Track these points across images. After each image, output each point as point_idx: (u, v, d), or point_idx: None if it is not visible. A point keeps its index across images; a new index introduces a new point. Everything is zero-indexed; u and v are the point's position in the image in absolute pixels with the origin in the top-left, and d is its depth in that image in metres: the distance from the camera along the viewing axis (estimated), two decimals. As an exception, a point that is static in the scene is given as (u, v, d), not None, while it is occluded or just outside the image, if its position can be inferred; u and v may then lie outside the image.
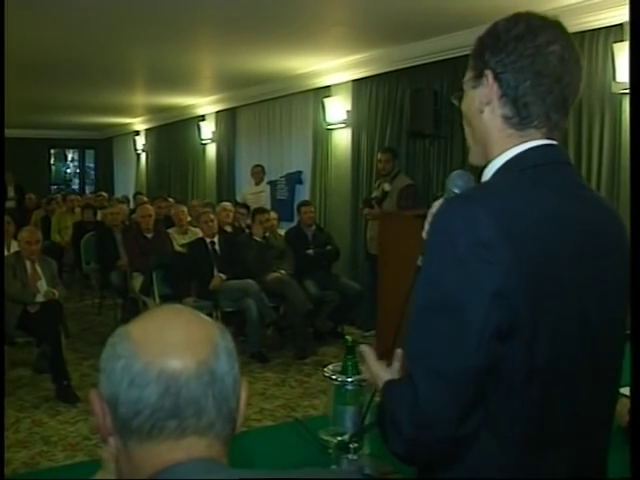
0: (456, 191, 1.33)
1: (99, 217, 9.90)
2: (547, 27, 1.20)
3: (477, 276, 1.05)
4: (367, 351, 1.36)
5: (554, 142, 1.22)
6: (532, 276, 1.06)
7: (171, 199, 9.83)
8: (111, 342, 0.94)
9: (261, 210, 7.19)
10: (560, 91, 1.19)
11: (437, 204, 1.34)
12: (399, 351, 1.34)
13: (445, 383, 1.06)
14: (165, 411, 0.88)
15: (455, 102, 1.34)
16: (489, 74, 1.21)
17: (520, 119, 1.20)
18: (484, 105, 1.23)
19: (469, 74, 1.27)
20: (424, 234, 1.33)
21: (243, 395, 0.97)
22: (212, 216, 6.83)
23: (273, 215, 7.50)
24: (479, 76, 1.23)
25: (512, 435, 1.11)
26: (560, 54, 1.18)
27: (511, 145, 1.21)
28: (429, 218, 1.31)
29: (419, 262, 1.35)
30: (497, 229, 1.06)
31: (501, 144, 1.22)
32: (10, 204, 12.04)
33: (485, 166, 1.26)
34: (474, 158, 1.30)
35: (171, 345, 0.90)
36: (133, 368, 0.89)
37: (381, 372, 1.30)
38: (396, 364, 1.34)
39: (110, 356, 0.92)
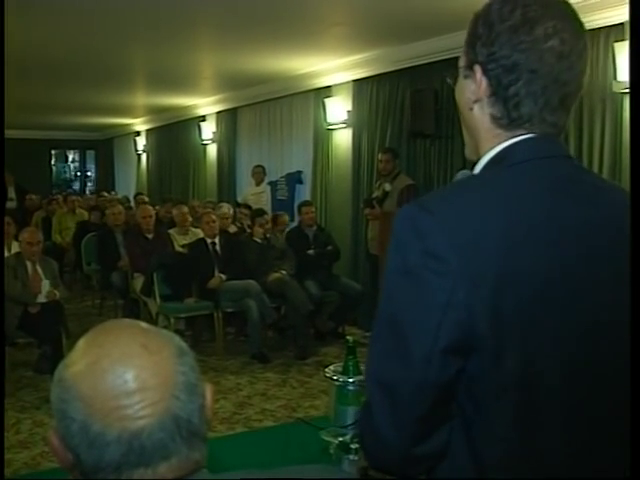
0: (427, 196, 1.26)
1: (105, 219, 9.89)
2: (548, 16, 1.05)
3: (425, 288, 0.98)
4: None
5: (549, 135, 1.10)
6: (492, 287, 0.97)
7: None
8: (60, 397, 0.87)
9: (260, 212, 7.20)
10: (556, 91, 1.07)
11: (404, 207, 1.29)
12: None
13: (395, 402, 1.01)
14: (131, 464, 0.85)
15: (449, 82, 1.23)
16: (478, 70, 1.09)
17: (509, 120, 1.09)
18: (472, 102, 1.12)
19: (462, 60, 1.15)
20: None
21: (209, 397, 0.94)
22: (214, 217, 6.83)
23: (284, 218, 7.47)
24: (470, 67, 1.12)
25: (486, 453, 1.04)
26: (559, 50, 1.05)
27: (497, 143, 1.10)
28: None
29: None
30: (448, 239, 0.98)
31: (489, 142, 1.12)
32: (11, 205, 12.03)
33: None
34: (468, 152, 1.21)
35: (126, 398, 0.84)
36: (90, 431, 0.84)
37: None
38: None
39: (62, 415, 0.86)
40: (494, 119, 1.11)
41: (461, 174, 1.28)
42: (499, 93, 1.08)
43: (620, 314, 1.07)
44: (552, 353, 1.03)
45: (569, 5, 1.10)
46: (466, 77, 1.14)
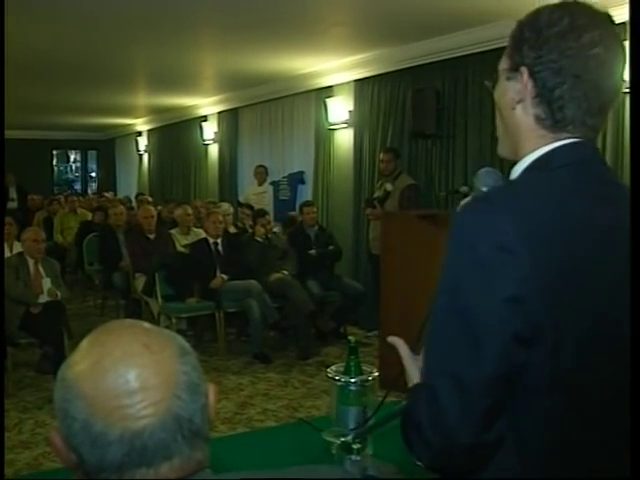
0: (484, 188, 1.28)
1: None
2: (593, 24, 1.11)
3: (495, 281, 1.02)
4: (400, 344, 1.31)
5: (587, 141, 1.16)
6: (553, 281, 1.03)
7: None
8: (62, 396, 0.88)
9: (262, 212, 7.20)
10: (597, 97, 1.13)
11: (465, 201, 1.29)
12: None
13: (464, 391, 1.03)
14: (133, 463, 0.85)
15: (488, 86, 1.28)
16: (525, 71, 1.14)
17: (554, 122, 1.14)
18: (516, 102, 1.17)
19: (505, 63, 1.19)
20: None
21: (211, 397, 0.94)
22: (221, 217, 6.84)
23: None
24: (515, 69, 1.16)
25: (533, 444, 1.08)
26: (602, 58, 1.11)
27: (543, 144, 1.15)
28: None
29: None
30: (517, 233, 1.02)
31: (532, 143, 1.16)
32: (12, 205, 12.05)
33: (514, 162, 1.21)
34: (503, 150, 1.26)
35: (127, 398, 0.84)
36: (92, 430, 0.84)
37: (413, 372, 1.25)
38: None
39: (65, 415, 0.87)
40: (538, 120, 1.15)
41: (485, 171, 1.30)
42: (544, 95, 1.13)
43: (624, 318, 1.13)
44: (592, 348, 1.08)
45: (610, 16, 1.15)
46: (509, 79, 1.18)
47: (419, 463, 1.16)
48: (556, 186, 1.11)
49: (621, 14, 4.72)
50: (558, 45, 1.10)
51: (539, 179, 1.13)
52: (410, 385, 1.24)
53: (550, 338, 1.03)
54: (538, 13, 1.15)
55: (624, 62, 1.15)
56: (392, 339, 1.32)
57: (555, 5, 1.15)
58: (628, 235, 1.11)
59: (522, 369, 1.04)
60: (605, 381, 1.10)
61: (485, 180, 1.29)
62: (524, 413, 1.07)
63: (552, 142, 1.14)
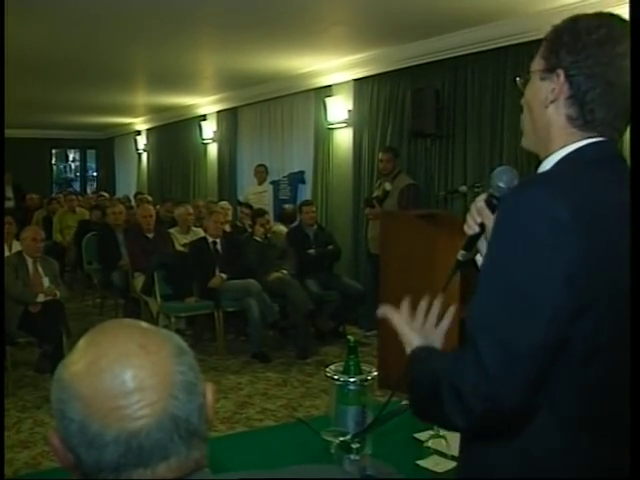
0: (502, 185, 1.34)
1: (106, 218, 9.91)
2: (625, 36, 1.21)
3: (551, 257, 1.08)
4: (391, 312, 1.36)
5: (613, 140, 1.25)
6: (598, 262, 1.10)
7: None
8: (59, 397, 0.87)
9: (261, 212, 7.21)
10: (624, 102, 1.21)
11: (481, 198, 1.36)
12: (452, 308, 1.40)
13: (514, 358, 1.08)
14: (130, 464, 0.85)
15: (519, 84, 1.34)
16: (561, 74, 1.22)
17: (584, 122, 1.22)
18: (549, 102, 1.25)
19: (540, 64, 1.27)
20: (466, 228, 1.37)
21: (210, 396, 0.94)
22: (222, 216, 6.83)
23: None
24: (550, 71, 1.24)
25: (570, 416, 1.15)
26: (629, 67, 1.20)
27: (572, 141, 1.23)
28: (473, 211, 1.35)
29: (459, 256, 1.40)
30: (572, 213, 1.09)
31: (562, 139, 1.24)
32: (8, 204, 12.02)
33: (514, 161, 1.29)
34: (528, 143, 1.33)
35: (124, 398, 0.84)
36: (89, 431, 0.84)
37: (409, 336, 1.32)
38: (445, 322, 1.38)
39: (61, 416, 0.87)
40: (570, 119, 1.23)
41: (501, 169, 1.37)
42: (577, 97, 1.22)
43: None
44: (622, 326, 1.15)
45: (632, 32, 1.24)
46: (543, 79, 1.26)
47: (450, 431, 1.23)
48: (592, 176, 1.19)
49: (620, 14, 4.73)
50: (595, 53, 1.19)
51: (577, 169, 1.21)
52: (408, 349, 1.30)
53: (593, 314, 1.10)
54: (577, 20, 1.24)
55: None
56: (381, 311, 1.37)
57: (593, 15, 1.25)
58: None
59: (565, 341, 1.10)
60: (627, 353, 1.16)
61: (502, 176, 1.35)
62: (560, 382, 1.13)
63: (581, 140, 1.23)
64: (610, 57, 1.19)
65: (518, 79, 1.35)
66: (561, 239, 1.08)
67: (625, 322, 1.15)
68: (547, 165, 1.26)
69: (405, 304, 1.38)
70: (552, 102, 1.24)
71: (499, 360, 1.08)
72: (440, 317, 1.39)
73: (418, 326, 1.36)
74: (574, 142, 1.23)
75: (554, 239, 1.08)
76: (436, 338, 1.35)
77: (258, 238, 6.84)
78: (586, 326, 1.11)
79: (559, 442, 1.16)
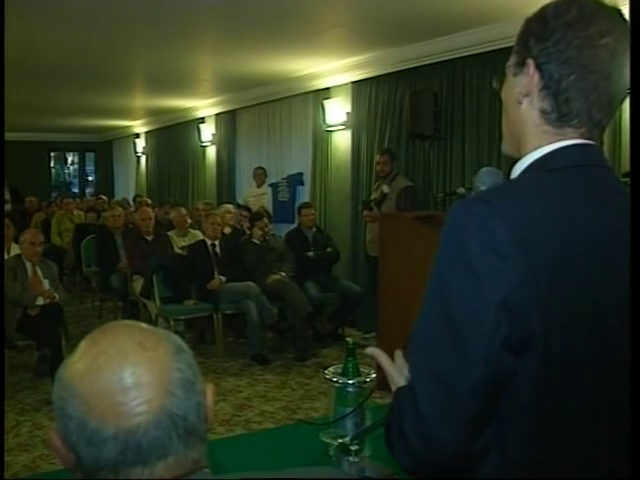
0: (484, 189, 1.25)
1: (101, 220, 9.94)
2: (602, 15, 1.08)
3: (486, 284, 0.98)
4: (377, 353, 1.27)
5: (591, 142, 1.12)
6: (545, 287, 0.99)
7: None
8: (58, 395, 0.89)
9: (259, 215, 7.20)
10: (606, 89, 1.09)
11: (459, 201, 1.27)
12: (398, 353, 1.27)
13: (450, 398, 1.00)
14: (128, 462, 0.85)
15: (495, 86, 1.26)
16: (531, 63, 1.11)
17: (559, 115, 1.11)
18: (522, 96, 1.14)
19: (512, 59, 1.17)
20: None
21: (209, 397, 0.94)
22: (219, 218, 6.84)
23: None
24: (521, 63, 1.13)
25: (518, 452, 1.04)
26: (612, 48, 1.07)
27: (545, 142, 1.12)
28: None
29: None
30: (511, 235, 0.99)
31: (535, 140, 1.13)
32: (6, 207, 12.01)
33: (516, 160, 1.18)
34: (506, 148, 1.23)
35: (121, 395, 0.85)
36: (87, 428, 0.85)
37: (395, 376, 1.20)
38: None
39: (61, 413, 0.87)
40: (543, 113, 1.12)
41: (486, 170, 1.27)
42: (550, 87, 1.10)
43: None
44: (586, 351, 1.05)
45: (618, 9, 1.12)
46: (516, 74, 1.16)
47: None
48: (554, 188, 1.08)
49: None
50: (565, 35, 1.08)
51: (537, 180, 1.10)
52: (394, 389, 1.19)
53: (540, 345, 0.99)
54: (545, 6, 1.12)
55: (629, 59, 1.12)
56: (370, 350, 1.29)
57: None
58: (624, 241, 1.07)
59: (510, 375, 1.00)
60: (596, 388, 1.07)
61: (485, 179, 1.27)
62: (509, 420, 1.03)
63: (555, 141, 1.11)
64: (583, 38, 1.06)
65: (494, 83, 1.27)
66: (498, 265, 0.97)
67: (595, 348, 1.05)
68: (517, 170, 1.16)
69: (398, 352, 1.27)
70: (526, 96, 1.13)
71: (438, 402, 1.00)
72: None
73: (401, 367, 1.22)
74: (547, 144, 1.11)
75: (489, 264, 0.98)
76: None
77: (256, 241, 6.84)
78: (533, 358, 1.00)
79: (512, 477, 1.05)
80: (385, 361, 1.25)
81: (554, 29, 1.09)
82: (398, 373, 1.20)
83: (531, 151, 1.14)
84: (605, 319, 1.06)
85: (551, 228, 1.02)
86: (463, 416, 1.00)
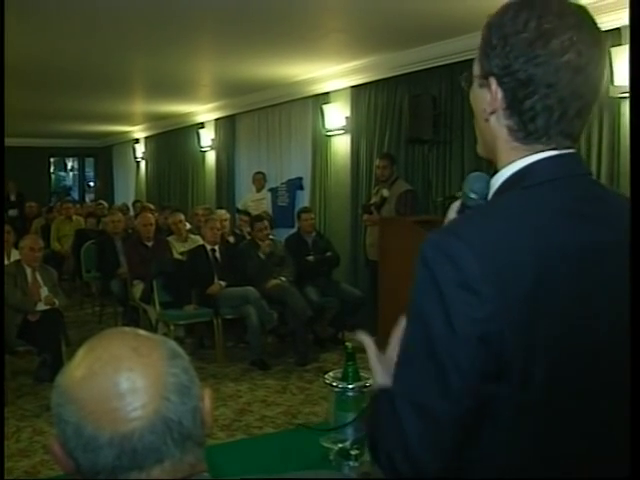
0: (473, 196, 1.21)
1: (101, 225, 9.96)
2: (563, 26, 1.03)
3: (458, 321, 0.97)
4: (367, 343, 1.26)
5: (566, 151, 1.08)
6: (522, 316, 0.98)
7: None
8: (56, 401, 0.89)
9: (260, 218, 7.21)
10: (573, 104, 1.05)
11: (455, 207, 1.25)
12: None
13: (432, 423, 1.01)
14: (125, 467, 0.86)
15: (463, 85, 1.21)
16: (493, 82, 1.08)
17: (526, 133, 1.07)
18: (489, 114, 1.11)
19: (477, 68, 1.13)
20: None
21: (207, 402, 0.94)
22: (218, 224, 6.84)
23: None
24: (485, 77, 1.10)
25: (500, 473, 1.05)
26: (575, 64, 1.03)
27: (516, 158, 1.09)
28: (446, 222, 1.22)
29: None
30: (482, 269, 0.97)
31: (506, 155, 1.11)
32: (13, 213, 12.06)
33: (495, 172, 1.16)
34: (481, 151, 1.21)
35: (116, 400, 0.86)
36: (84, 433, 0.86)
37: (379, 374, 1.19)
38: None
39: (59, 419, 0.89)
40: (511, 131, 1.09)
41: (473, 176, 1.25)
42: (514, 106, 1.07)
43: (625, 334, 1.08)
44: (573, 377, 1.04)
45: (585, 10, 1.07)
46: (481, 86, 1.12)
47: None
48: (530, 208, 1.05)
49: (619, 18, 4.73)
50: (525, 54, 1.03)
51: (511, 201, 1.08)
52: (375, 385, 1.20)
53: (516, 372, 1.00)
54: (504, 14, 1.07)
55: (602, 60, 1.08)
56: (361, 337, 1.29)
57: (520, 3, 1.07)
58: (610, 254, 1.06)
59: (490, 401, 1.01)
60: (589, 407, 1.07)
61: (473, 185, 1.23)
62: (491, 443, 1.04)
63: (526, 155, 1.08)
64: (544, 56, 1.02)
65: (462, 82, 1.21)
66: (469, 301, 0.97)
67: (581, 370, 1.04)
68: (496, 184, 1.13)
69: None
70: (492, 114, 1.10)
71: (420, 426, 1.01)
72: None
73: (389, 359, 1.21)
74: (519, 158, 1.09)
75: (461, 300, 0.97)
76: None
77: (259, 242, 6.85)
78: (509, 384, 1.00)
79: None
80: (372, 355, 1.25)
81: (513, 45, 1.05)
82: (382, 372, 1.19)
83: (504, 166, 1.11)
84: (598, 334, 1.05)
85: (525, 255, 1.00)
86: (448, 443, 1.02)
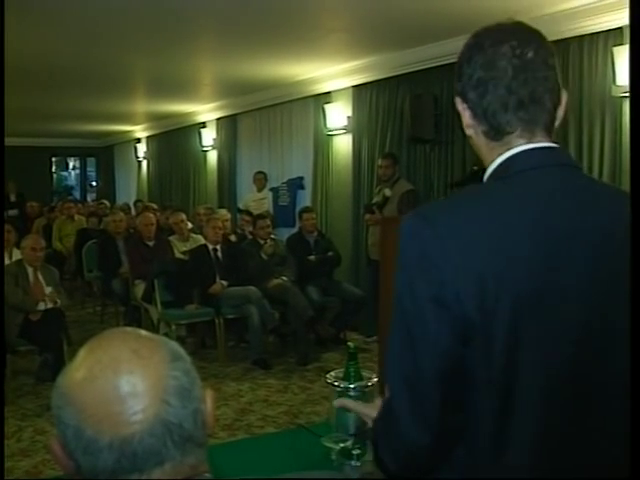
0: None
1: (102, 225, 9.96)
2: (494, 33, 1.22)
3: (422, 288, 1.10)
4: (344, 402, 1.52)
5: (543, 144, 1.19)
6: (484, 288, 1.07)
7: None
8: (56, 403, 0.89)
9: (261, 216, 7.21)
10: (521, 89, 1.17)
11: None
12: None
13: (411, 391, 1.11)
14: (125, 470, 0.86)
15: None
16: (458, 101, 1.25)
17: (495, 132, 1.21)
18: (468, 128, 1.26)
19: (456, 90, 1.29)
20: None
21: (209, 402, 0.94)
22: (220, 223, 6.84)
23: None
24: (457, 102, 1.26)
25: (476, 438, 1.12)
26: (510, 54, 1.17)
27: (496, 156, 1.22)
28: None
29: None
30: (438, 240, 1.10)
31: (489, 156, 1.24)
32: (13, 213, 12.06)
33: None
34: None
35: (117, 404, 0.85)
36: (83, 436, 0.86)
37: (366, 410, 1.40)
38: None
39: (59, 421, 0.88)
40: (486, 135, 1.23)
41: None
42: (477, 110, 1.22)
43: (611, 317, 1.14)
44: (535, 353, 1.10)
45: (520, 24, 1.24)
46: (460, 111, 1.27)
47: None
48: (500, 196, 1.17)
49: (620, 18, 4.73)
50: (469, 64, 1.20)
51: (483, 191, 1.22)
52: (370, 423, 1.33)
53: (481, 340, 1.08)
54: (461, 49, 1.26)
55: (547, 55, 1.19)
56: (337, 402, 1.56)
57: (469, 37, 1.26)
58: (588, 237, 1.13)
59: (466, 366, 1.09)
60: (546, 383, 1.12)
61: None
62: (468, 408, 1.11)
63: (503, 150, 1.21)
64: (484, 58, 1.19)
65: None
66: (425, 266, 1.10)
67: (540, 350, 1.11)
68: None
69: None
70: (469, 128, 1.26)
71: (403, 398, 1.12)
72: None
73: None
74: (498, 156, 1.22)
75: (419, 266, 1.11)
76: None
77: (260, 240, 6.84)
78: (476, 348, 1.08)
79: (477, 464, 1.13)
80: (353, 405, 1.49)
81: (461, 65, 1.23)
82: (368, 408, 1.39)
83: (489, 165, 1.24)
84: (554, 319, 1.11)
85: (490, 236, 1.10)
86: (428, 407, 1.10)
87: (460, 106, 1.24)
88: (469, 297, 1.07)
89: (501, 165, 1.21)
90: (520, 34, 1.20)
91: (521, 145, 1.19)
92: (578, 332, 1.12)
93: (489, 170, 1.23)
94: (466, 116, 1.24)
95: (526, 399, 1.11)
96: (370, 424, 1.33)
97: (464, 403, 1.11)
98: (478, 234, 1.11)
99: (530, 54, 1.17)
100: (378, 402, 1.34)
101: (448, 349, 1.08)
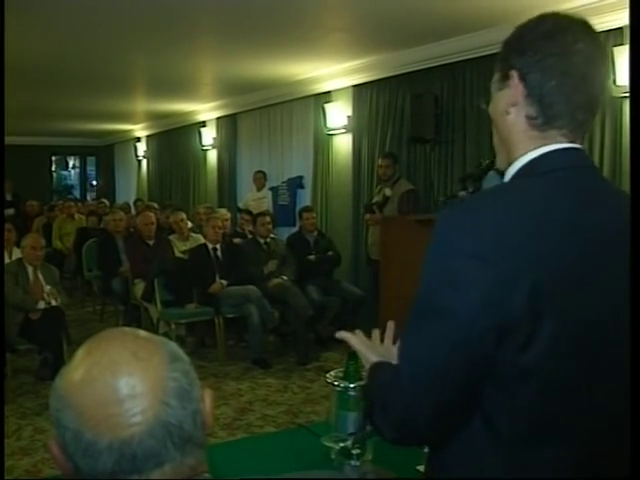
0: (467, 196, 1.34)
1: (102, 224, 9.96)
2: (574, 25, 1.19)
3: (467, 286, 1.07)
4: (347, 336, 1.48)
5: (576, 145, 1.20)
6: (528, 285, 1.06)
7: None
8: (54, 405, 0.89)
9: (261, 214, 7.21)
10: (586, 90, 1.18)
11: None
12: (390, 323, 1.50)
13: (428, 373, 1.11)
14: (125, 471, 0.86)
15: (483, 106, 1.34)
16: (514, 75, 1.19)
17: (545, 119, 1.18)
18: (510, 106, 1.22)
19: (495, 76, 1.26)
20: None
21: (208, 402, 0.94)
22: (220, 222, 6.84)
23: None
24: (505, 78, 1.22)
25: (505, 432, 1.12)
26: (586, 53, 1.16)
27: (532, 147, 1.19)
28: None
29: None
30: (487, 240, 1.08)
31: (523, 146, 1.21)
32: (9, 212, 12.05)
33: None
34: (500, 163, 1.30)
35: (116, 406, 0.85)
36: (83, 439, 0.85)
37: (367, 355, 1.37)
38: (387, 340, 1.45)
39: (58, 424, 0.88)
40: (530, 119, 1.19)
41: (493, 173, 1.35)
42: (534, 93, 1.18)
43: (622, 318, 1.15)
44: (573, 344, 1.11)
45: (588, 22, 1.22)
46: (500, 89, 1.24)
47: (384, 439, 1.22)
48: (538, 192, 1.15)
49: (620, 18, 4.73)
50: (542, 46, 1.17)
51: (522, 185, 1.19)
52: (367, 366, 1.34)
53: (520, 337, 1.07)
54: (520, 26, 1.23)
55: (606, 61, 1.23)
56: (340, 335, 1.51)
57: (535, 16, 1.22)
58: (610, 237, 1.14)
59: (493, 362, 1.08)
60: (595, 375, 1.13)
61: (492, 181, 1.33)
62: (494, 403, 1.11)
63: (540, 146, 1.19)
64: (560, 46, 1.16)
65: (483, 106, 1.34)
66: (474, 269, 1.07)
67: (586, 343, 1.12)
68: (508, 176, 1.24)
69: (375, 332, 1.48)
70: (512, 106, 1.21)
71: (411, 370, 1.12)
72: (396, 339, 1.41)
73: (375, 346, 1.42)
74: (533, 149, 1.19)
75: (467, 268, 1.08)
76: (393, 355, 1.34)
77: (260, 239, 6.84)
78: (511, 348, 1.07)
79: (493, 457, 1.14)
80: (356, 342, 1.45)
81: (532, 41, 1.18)
82: (369, 350, 1.39)
83: (519, 157, 1.21)
84: (595, 313, 1.13)
85: (530, 230, 1.09)
86: (444, 395, 1.11)
87: (514, 80, 1.20)
88: (518, 296, 1.05)
89: (533, 162, 1.19)
90: (590, 36, 1.20)
91: (561, 143, 1.18)
92: (600, 333, 1.14)
93: (519, 163, 1.21)
94: (517, 93, 1.20)
95: (566, 395, 1.12)
96: (367, 367, 1.35)
97: (478, 391, 1.11)
98: (524, 228, 1.09)
99: (597, 59, 1.19)
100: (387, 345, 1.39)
101: (475, 347, 1.08)
